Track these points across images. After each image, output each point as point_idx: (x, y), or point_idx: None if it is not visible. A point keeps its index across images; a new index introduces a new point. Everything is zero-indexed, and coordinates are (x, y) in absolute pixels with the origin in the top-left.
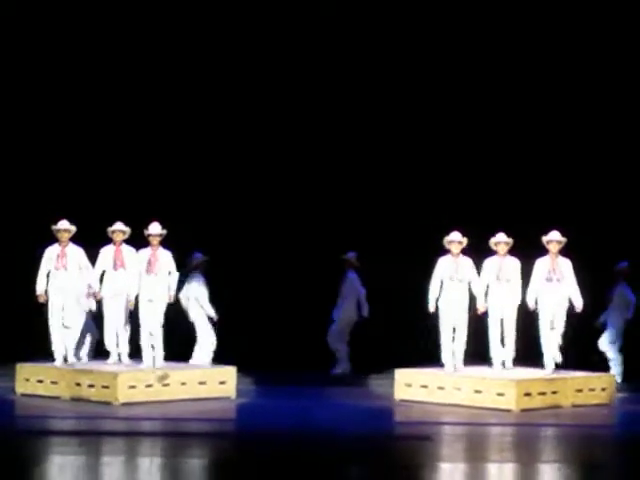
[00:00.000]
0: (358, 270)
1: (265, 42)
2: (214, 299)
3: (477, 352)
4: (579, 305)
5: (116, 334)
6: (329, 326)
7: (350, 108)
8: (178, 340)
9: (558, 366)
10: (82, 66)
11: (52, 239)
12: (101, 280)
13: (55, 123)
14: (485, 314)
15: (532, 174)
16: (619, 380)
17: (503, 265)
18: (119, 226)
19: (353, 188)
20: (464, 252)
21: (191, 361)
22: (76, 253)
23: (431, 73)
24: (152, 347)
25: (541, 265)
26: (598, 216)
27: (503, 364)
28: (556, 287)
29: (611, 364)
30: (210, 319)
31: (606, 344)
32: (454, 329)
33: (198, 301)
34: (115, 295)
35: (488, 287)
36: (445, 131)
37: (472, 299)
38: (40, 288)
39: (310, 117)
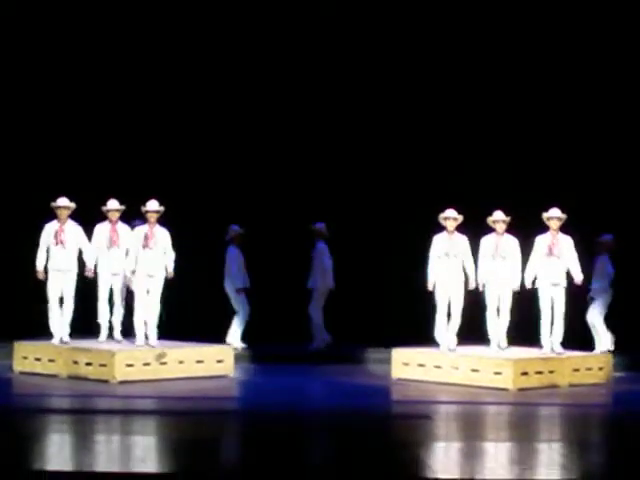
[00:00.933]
0: (327, 240)
1: (257, 33)
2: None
3: (473, 330)
4: (579, 279)
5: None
6: (308, 296)
7: (334, 87)
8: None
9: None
10: (80, 51)
11: (51, 216)
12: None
13: (53, 102)
14: (482, 292)
15: (530, 152)
16: (611, 348)
17: (500, 243)
18: (114, 204)
19: (338, 161)
20: (460, 229)
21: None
22: (74, 230)
23: (422, 58)
24: (145, 323)
25: (541, 242)
26: (595, 193)
27: (499, 344)
28: (555, 263)
29: (595, 336)
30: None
31: (592, 316)
32: (449, 305)
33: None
34: (111, 273)
35: (484, 265)
36: (440, 107)
37: (467, 276)
38: (39, 264)
39: (290, 93)
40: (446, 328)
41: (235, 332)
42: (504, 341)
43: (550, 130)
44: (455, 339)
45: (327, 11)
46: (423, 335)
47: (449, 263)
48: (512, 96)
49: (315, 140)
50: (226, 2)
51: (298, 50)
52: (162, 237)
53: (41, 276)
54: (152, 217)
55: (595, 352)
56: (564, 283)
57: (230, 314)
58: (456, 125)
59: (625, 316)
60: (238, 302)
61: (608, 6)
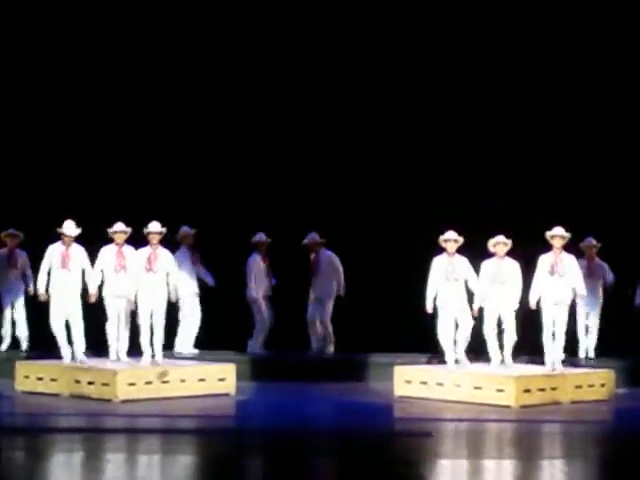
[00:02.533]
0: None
1: (253, 37)
2: None
3: (475, 349)
4: (583, 294)
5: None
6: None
7: (337, 96)
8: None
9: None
10: (83, 69)
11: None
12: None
13: (56, 125)
14: (481, 315)
15: (533, 170)
16: (592, 354)
17: (501, 267)
18: (121, 227)
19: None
20: (459, 251)
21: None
22: (79, 254)
23: (426, 67)
24: (151, 345)
25: (545, 261)
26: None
27: (502, 361)
28: (559, 282)
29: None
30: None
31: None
32: (456, 325)
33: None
34: (118, 297)
35: (485, 287)
36: (443, 127)
37: (470, 297)
38: (41, 286)
39: (292, 103)
40: (453, 348)
41: (185, 338)
42: (509, 358)
43: (554, 148)
44: (464, 356)
45: (325, 13)
46: (427, 342)
47: (450, 287)
48: (517, 113)
49: (318, 147)
50: (227, 9)
51: (298, 55)
52: (165, 260)
53: (43, 298)
54: (154, 239)
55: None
56: (568, 301)
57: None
58: (462, 138)
59: (629, 331)
60: (190, 307)
61: (608, 6)
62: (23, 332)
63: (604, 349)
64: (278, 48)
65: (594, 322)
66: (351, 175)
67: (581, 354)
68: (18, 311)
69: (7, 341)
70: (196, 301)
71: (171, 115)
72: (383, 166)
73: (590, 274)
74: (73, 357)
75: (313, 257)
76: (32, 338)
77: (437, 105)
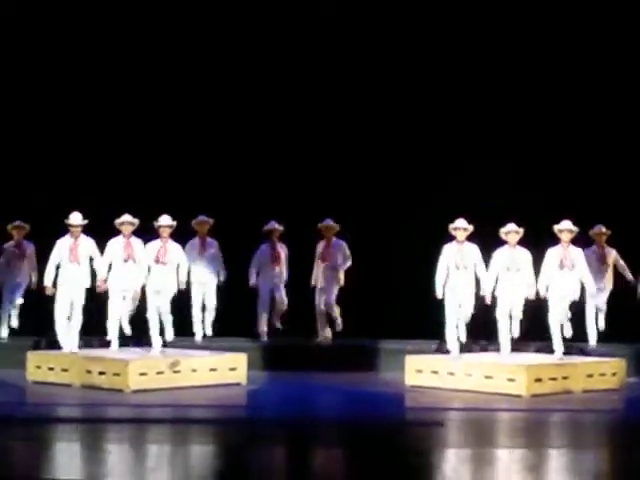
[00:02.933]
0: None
1: (258, 28)
2: None
3: (485, 338)
4: (592, 290)
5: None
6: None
7: (349, 86)
8: None
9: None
10: (92, 59)
11: (63, 232)
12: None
13: (64, 116)
14: (493, 303)
15: (543, 163)
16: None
17: (513, 255)
18: (128, 218)
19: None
20: (469, 239)
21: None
22: (87, 245)
23: (430, 61)
24: (160, 333)
25: (553, 254)
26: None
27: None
28: (567, 276)
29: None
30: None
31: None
32: (460, 310)
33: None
34: (124, 289)
35: (498, 277)
36: (453, 117)
37: (478, 285)
38: (48, 280)
39: (300, 101)
40: (456, 337)
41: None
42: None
43: (564, 142)
44: (464, 338)
45: (332, 6)
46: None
47: (459, 275)
48: (528, 106)
49: (324, 138)
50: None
51: (303, 50)
52: (175, 253)
53: (49, 292)
54: (165, 232)
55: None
56: (576, 295)
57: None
58: (472, 131)
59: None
60: (193, 295)
61: (609, 7)
62: (14, 318)
63: (614, 336)
64: (291, 37)
65: (603, 307)
66: (363, 162)
67: (591, 341)
68: (18, 302)
69: (6, 330)
70: (200, 290)
71: (182, 104)
72: (395, 153)
73: (600, 261)
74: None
75: (324, 242)
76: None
77: (450, 87)
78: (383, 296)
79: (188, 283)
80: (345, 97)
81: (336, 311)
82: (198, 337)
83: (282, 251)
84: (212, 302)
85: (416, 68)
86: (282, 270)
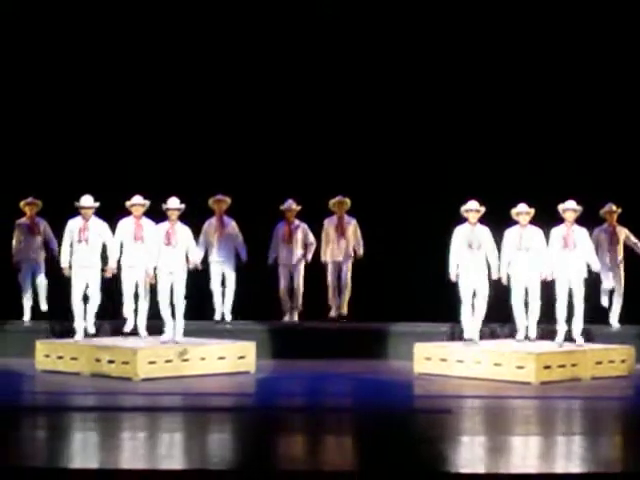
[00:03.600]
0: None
1: (265, 19)
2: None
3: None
4: (597, 267)
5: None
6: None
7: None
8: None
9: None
10: (89, 51)
11: (75, 213)
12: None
13: (72, 100)
14: (508, 284)
15: (548, 145)
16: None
17: (524, 235)
18: (138, 199)
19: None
20: (481, 221)
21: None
22: (99, 227)
23: (447, 46)
24: (172, 318)
25: (557, 234)
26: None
27: (527, 335)
28: (572, 255)
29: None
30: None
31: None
32: (474, 295)
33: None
34: (134, 267)
35: (509, 256)
36: (465, 100)
37: (490, 267)
38: (64, 261)
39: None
40: (471, 319)
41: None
42: (534, 332)
43: (567, 124)
44: (478, 330)
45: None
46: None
47: (472, 255)
48: (533, 92)
49: (338, 120)
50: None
51: (321, 35)
52: (183, 235)
53: (67, 272)
54: (173, 215)
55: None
56: (582, 274)
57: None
58: (479, 117)
59: None
60: (212, 275)
61: (609, 7)
62: (43, 301)
63: (627, 317)
64: (306, 22)
65: (618, 288)
66: (376, 144)
67: (612, 320)
68: (40, 280)
69: (28, 313)
70: (219, 269)
71: (195, 87)
72: (409, 136)
73: (612, 240)
74: (86, 333)
75: (337, 219)
76: (51, 308)
77: (461, 72)
78: (393, 278)
79: (206, 262)
80: (362, 82)
81: (348, 288)
82: (217, 316)
83: (298, 230)
84: (232, 281)
85: (433, 51)
86: (298, 249)
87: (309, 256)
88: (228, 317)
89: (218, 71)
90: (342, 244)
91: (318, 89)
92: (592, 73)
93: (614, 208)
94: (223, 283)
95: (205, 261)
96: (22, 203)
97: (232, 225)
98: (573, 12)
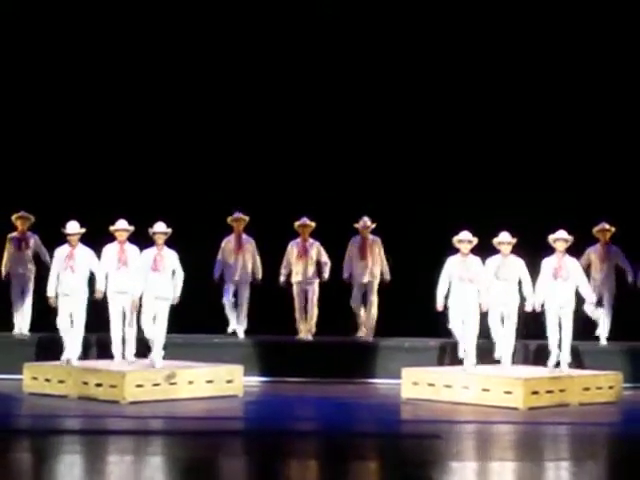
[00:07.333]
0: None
1: (264, 20)
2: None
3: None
4: (591, 300)
5: (122, 333)
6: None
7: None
8: None
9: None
10: (84, 65)
11: (62, 241)
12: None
13: (57, 124)
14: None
15: (535, 172)
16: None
17: (505, 264)
18: (122, 224)
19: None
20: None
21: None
22: (85, 254)
23: (434, 70)
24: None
25: (548, 264)
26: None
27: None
28: (562, 286)
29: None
30: None
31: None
32: (463, 324)
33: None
34: (119, 293)
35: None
36: (450, 130)
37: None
38: (51, 290)
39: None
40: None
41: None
42: (509, 361)
43: (557, 153)
44: (474, 358)
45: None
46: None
47: (463, 288)
48: (527, 121)
49: (349, 137)
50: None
51: (317, 42)
52: (170, 260)
53: (53, 302)
54: (160, 239)
55: None
56: (572, 305)
57: None
58: (475, 146)
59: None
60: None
61: (610, 7)
62: (26, 318)
63: (617, 335)
64: (307, 30)
65: (608, 308)
66: (388, 163)
67: (601, 336)
68: (26, 302)
69: (18, 327)
70: (232, 287)
71: (191, 107)
72: (408, 163)
73: (604, 259)
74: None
75: (361, 240)
76: (36, 324)
77: (464, 91)
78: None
79: (221, 279)
80: (370, 98)
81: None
82: (232, 326)
83: (311, 248)
84: (244, 299)
85: (440, 62)
86: (311, 267)
87: (325, 275)
88: (241, 335)
89: (224, 87)
90: (367, 264)
91: (327, 110)
92: (584, 92)
93: (607, 227)
94: (236, 299)
95: (221, 277)
96: (14, 217)
97: (251, 243)
98: (568, 24)
